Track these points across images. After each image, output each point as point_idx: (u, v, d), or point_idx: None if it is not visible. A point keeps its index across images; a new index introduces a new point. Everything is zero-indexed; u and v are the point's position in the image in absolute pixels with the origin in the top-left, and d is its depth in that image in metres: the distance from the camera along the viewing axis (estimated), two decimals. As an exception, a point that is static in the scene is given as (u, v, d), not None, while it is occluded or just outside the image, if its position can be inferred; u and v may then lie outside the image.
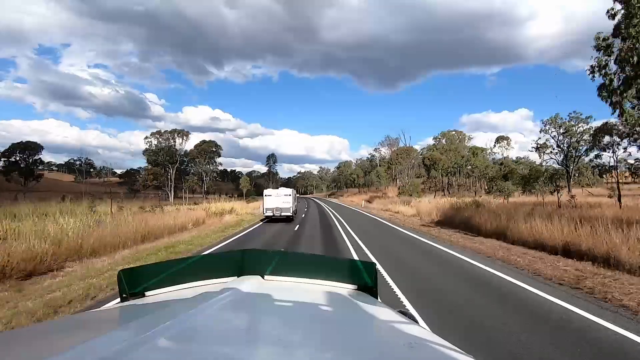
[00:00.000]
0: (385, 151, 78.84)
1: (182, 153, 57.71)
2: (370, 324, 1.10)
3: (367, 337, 0.95)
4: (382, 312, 1.17)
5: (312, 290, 1.35)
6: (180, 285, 1.38)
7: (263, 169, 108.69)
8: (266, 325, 0.97)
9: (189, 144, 59.31)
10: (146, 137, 51.60)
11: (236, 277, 1.38)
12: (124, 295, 1.32)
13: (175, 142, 51.73)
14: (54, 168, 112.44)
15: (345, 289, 1.42)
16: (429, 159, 52.71)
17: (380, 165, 78.08)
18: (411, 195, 47.12)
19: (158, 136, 51.10)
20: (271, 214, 21.51)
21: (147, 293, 1.35)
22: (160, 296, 1.32)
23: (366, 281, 1.44)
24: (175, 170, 52.53)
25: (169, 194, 51.28)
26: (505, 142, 70.42)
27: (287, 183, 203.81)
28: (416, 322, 1.18)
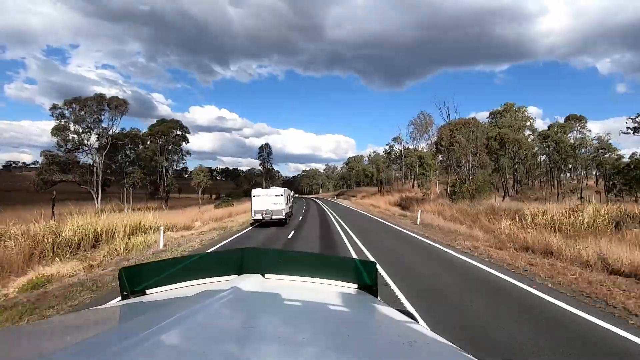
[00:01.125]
0: (407, 144, 59.83)
1: (124, 135, 39.30)
2: (370, 322, 1.10)
3: (367, 335, 0.95)
4: (383, 311, 1.17)
5: (313, 289, 1.35)
6: (181, 283, 1.38)
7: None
8: (267, 324, 0.96)
9: (133, 123, 41.61)
10: (54, 107, 31.22)
11: (236, 275, 1.38)
12: (124, 293, 1.33)
13: (102, 115, 33.36)
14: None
15: (345, 287, 1.42)
16: (495, 140, 33.58)
17: (406, 156, 58.97)
18: (474, 198, 28.30)
19: (76, 105, 32.62)
20: (260, 217, 18.51)
21: (147, 291, 1.35)
22: (160, 294, 1.32)
23: (366, 280, 1.44)
24: (105, 158, 34.17)
25: (95, 196, 32.92)
26: (579, 123, 50.89)
27: (291, 182, 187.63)
28: (416, 321, 1.16)
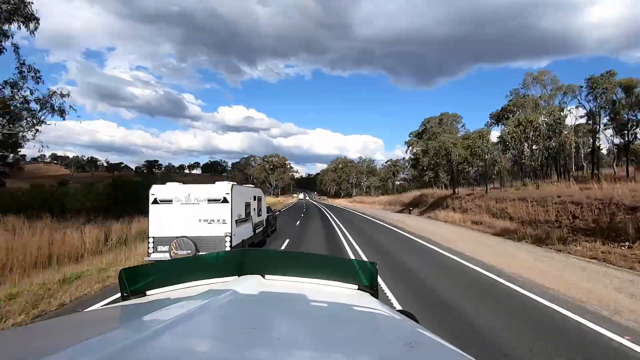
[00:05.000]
0: None
1: None
2: (370, 323, 1.09)
3: (367, 336, 0.94)
4: (383, 312, 1.16)
5: (313, 290, 1.33)
6: (181, 284, 1.37)
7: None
8: (267, 325, 0.95)
9: None
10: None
11: (237, 276, 1.37)
12: (124, 294, 1.30)
13: None
14: (55, 162, 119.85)
15: (345, 288, 1.42)
16: None
17: None
18: None
19: None
20: (167, 255, 7.69)
21: (147, 292, 1.34)
22: (160, 295, 1.31)
23: (367, 281, 1.43)
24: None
25: None
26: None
27: (313, 179, 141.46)
28: (417, 321, 1.15)
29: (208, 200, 7.99)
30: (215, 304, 0.97)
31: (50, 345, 0.73)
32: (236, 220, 8.45)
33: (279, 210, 32.87)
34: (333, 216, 28.79)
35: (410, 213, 32.58)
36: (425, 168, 46.11)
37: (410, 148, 49.32)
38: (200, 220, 7.89)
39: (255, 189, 12.22)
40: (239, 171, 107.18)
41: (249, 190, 10.80)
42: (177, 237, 7.65)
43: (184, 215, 7.88)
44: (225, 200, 8.02)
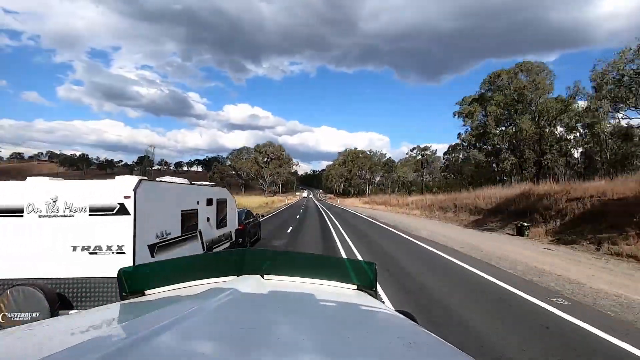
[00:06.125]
0: None
1: None
2: (370, 323, 1.09)
3: (367, 336, 0.94)
4: (382, 312, 1.17)
5: (312, 290, 1.33)
6: (180, 284, 1.37)
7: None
8: (266, 325, 0.94)
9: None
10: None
11: (236, 276, 1.37)
12: (123, 294, 1.31)
13: None
14: (54, 160, 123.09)
15: (345, 288, 1.42)
16: None
17: None
18: None
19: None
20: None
21: (147, 291, 1.33)
22: (159, 295, 1.31)
23: (366, 281, 1.43)
24: None
25: None
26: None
27: (318, 176, 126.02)
28: (416, 321, 1.14)
29: (90, 210, 4.32)
30: (214, 304, 0.96)
31: (49, 345, 0.73)
32: (153, 245, 4.69)
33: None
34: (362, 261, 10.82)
35: (520, 234, 14.36)
36: (497, 146, 27.65)
37: (467, 120, 30.81)
38: (74, 248, 4.30)
39: (215, 188, 7.79)
40: (229, 166, 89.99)
41: (198, 190, 6.59)
42: (19, 284, 3.94)
43: (45, 236, 4.31)
44: (123, 210, 4.31)
